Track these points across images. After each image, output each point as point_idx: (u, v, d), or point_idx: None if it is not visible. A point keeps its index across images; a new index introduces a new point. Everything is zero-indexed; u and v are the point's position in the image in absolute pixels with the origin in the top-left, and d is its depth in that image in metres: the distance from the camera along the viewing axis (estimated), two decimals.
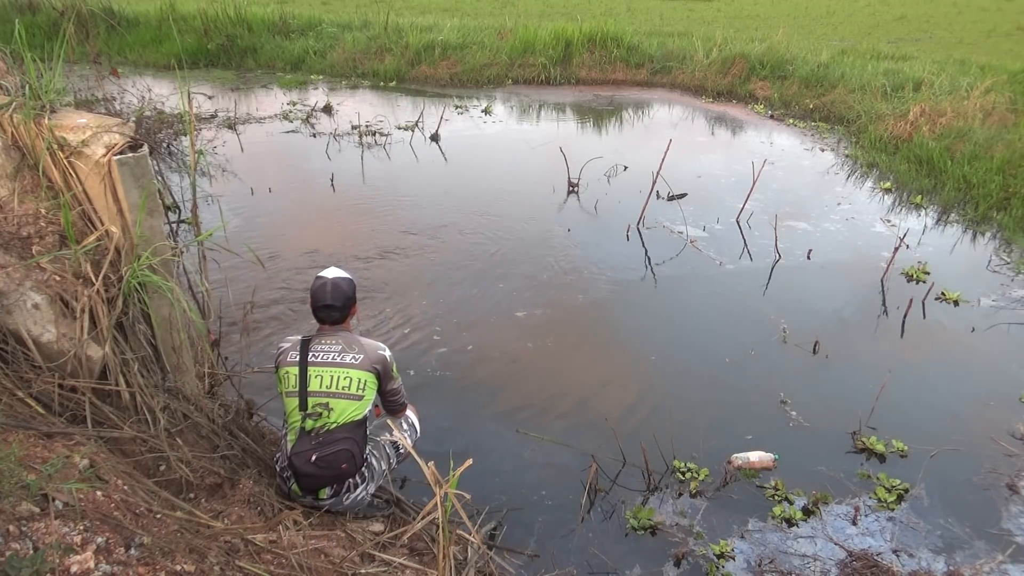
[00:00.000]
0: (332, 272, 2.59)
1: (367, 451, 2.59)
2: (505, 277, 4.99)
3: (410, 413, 2.90)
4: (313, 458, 2.40)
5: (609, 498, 3.12)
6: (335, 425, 2.44)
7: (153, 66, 11.35)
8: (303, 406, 2.43)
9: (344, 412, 2.44)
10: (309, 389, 2.44)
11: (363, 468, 2.55)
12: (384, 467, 2.69)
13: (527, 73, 10.87)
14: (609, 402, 3.74)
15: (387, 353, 2.58)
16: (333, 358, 2.47)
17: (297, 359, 2.47)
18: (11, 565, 1.40)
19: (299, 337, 2.55)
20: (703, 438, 3.44)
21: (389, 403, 2.71)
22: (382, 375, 2.56)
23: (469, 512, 2.55)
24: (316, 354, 2.48)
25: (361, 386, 2.48)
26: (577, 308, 4.67)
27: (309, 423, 2.43)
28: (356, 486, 2.53)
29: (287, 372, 2.49)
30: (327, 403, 2.43)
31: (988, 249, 5.64)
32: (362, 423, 2.51)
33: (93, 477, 1.92)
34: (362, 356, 2.50)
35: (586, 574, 2.74)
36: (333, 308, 2.52)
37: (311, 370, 2.45)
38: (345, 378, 2.45)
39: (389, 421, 2.79)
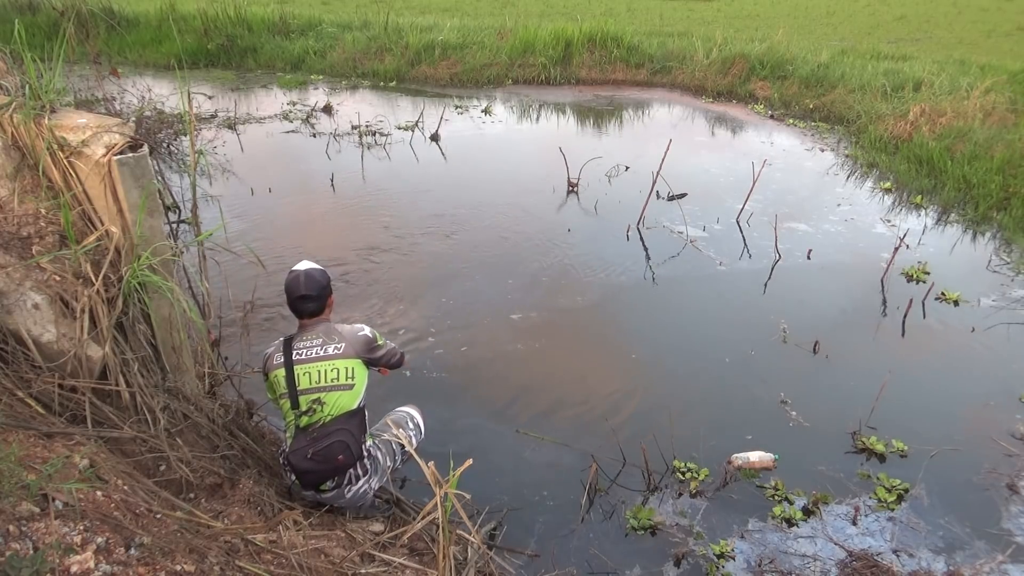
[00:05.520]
0: (304, 264, 2.59)
1: (369, 443, 2.60)
2: (504, 277, 4.99)
3: (416, 414, 2.90)
4: (309, 454, 2.41)
5: (609, 498, 3.12)
6: (330, 418, 2.45)
7: (153, 66, 11.35)
8: (295, 405, 2.44)
9: (336, 403, 2.45)
10: (299, 388, 2.44)
11: (364, 459, 2.55)
12: (389, 463, 2.69)
13: (527, 73, 10.87)
14: (609, 402, 3.74)
15: (366, 331, 2.58)
16: (316, 353, 2.48)
17: (282, 361, 2.47)
18: (11, 565, 1.40)
19: (281, 339, 2.55)
20: (703, 438, 3.44)
21: (390, 366, 2.74)
22: (368, 357, 2.56)
23: (469, 512, 2.55)
24: (299, 352, 2.48)
25: (349, 374, 2.48)
26: (576, 308, 4.67)
27: (304, 420, 2.44)
28: (358, 478, 2.53)
29: (276, 376, 2.49)
30: (319, 398, 2.44)
31: (988, 249, 5.64)
32: (357, 412, 2.52)
33: (93, 477, 1.92)
34: (344, 344, 2.50)
35: (586, 574, 2.74)
36: (309, 298, 2.51)
37: (297, 369, 2.45)
38: (332, 370, 2.46)
39: (391, 422, 2.80)
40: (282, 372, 2.46)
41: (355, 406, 2.50)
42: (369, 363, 2.59)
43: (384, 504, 2.86)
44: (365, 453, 2.55)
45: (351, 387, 2.48)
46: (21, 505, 1.62)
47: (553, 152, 6.88)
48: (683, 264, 5.29)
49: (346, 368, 2.48)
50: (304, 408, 2.43)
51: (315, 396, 2.44)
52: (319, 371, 2.45)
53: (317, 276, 2.54)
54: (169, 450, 2.33)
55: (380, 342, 2.62)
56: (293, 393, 2.44)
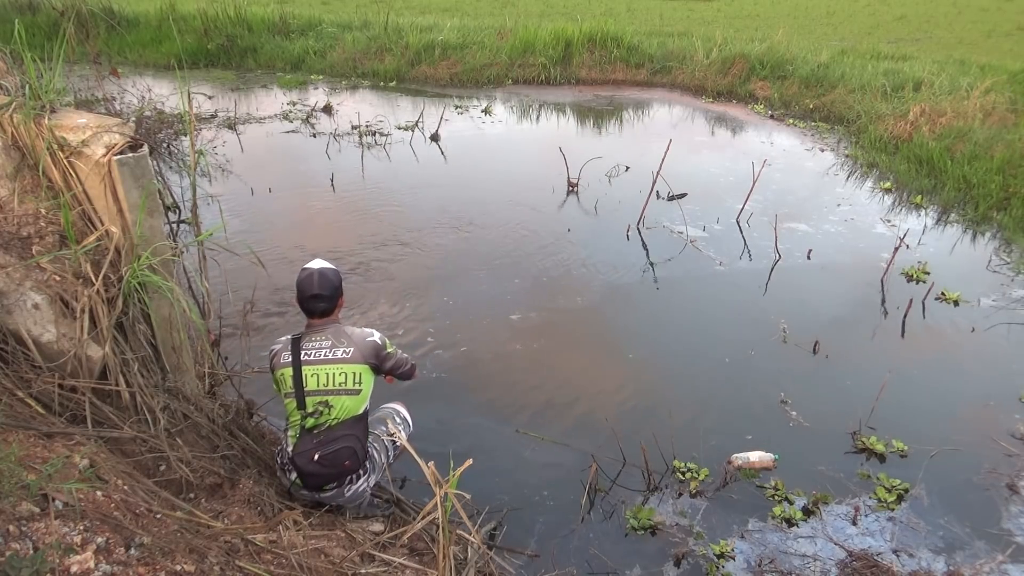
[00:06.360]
0: (318, 263, 2.58)
1: (368, 444, 2.60)
2: (503, 278, 4.99)
3: (401, 408, 2.90)
4: (316, 457, 2.40)
5: (609, 498, 3.12)
6: (336, 422, 2.44)
7: (153, 66, 11.35)
8: (302, 405, 2.43)
9: (344, 407, 2.45)
10: (306, 388, 2.43)
11: (366, 461, 2.55)
12: (384, 460, 2.70)
13: (527, 73, 10.87)
14: (609, 402, 3.74)
15: (376, 337, 2.57)
16: (324, 355, 2.47)
17: (290, 360, 2.46)
18: (11, 565, 1.40)
19: (289, 337, 2.54)
20: (703, 438, 3.44)
21: (399, 375, 2.72)
22: (376, 363, 2.55)
23: (469, 512, 2.55)
24: (308, 352, 2.47)
25: (357, 379, 2.47)
26: (576, 309, 4.67)
27: (310, 421, 2.43)
28: (358, 478, 2.55)
29: (283, 374, 2.48)
30: (326, 400, 2.43)
31: (988, 249, 5.64)
32: (362, 417, 2.52)
33: (93, 477, 1.92)
34: (352, 349, 2.49)
35: (586, 574, 2.74)
36: (320, 298, 2.49)
37: (305, 369, 2.44)
38: (340, 374, 2.45)
39: (378, 419, 2.80)
40: (289, 371, 2.45)
41: (361, 411, 2.50)
42: (376, 370, 2.59)
43: (384, 504, 2.86)
44: (367, 455, 2.56)
45: (358, 392, 2.48)
46: (21, 505, 1.62)
47: (553, 152, 6.88)
48: (683, 264, 5.29)
49: (354, 373, 2.47)
50: (310, 409, 2.42)
51: (322, 398, 2.43)
52: (327, 374, 2.44)
53: (330, 276, 2.53)
54: (169, 450, 2.33)
55: (390, 350, 2.60)
56: (300, 394, 2.43)
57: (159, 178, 5.25)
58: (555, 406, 3.71)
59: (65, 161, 2.38)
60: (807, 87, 9.83)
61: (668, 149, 5.99)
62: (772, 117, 9.40)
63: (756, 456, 3.27)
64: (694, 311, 4.74)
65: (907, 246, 5.41)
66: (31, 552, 1.50)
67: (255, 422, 3.10)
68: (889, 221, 6.12)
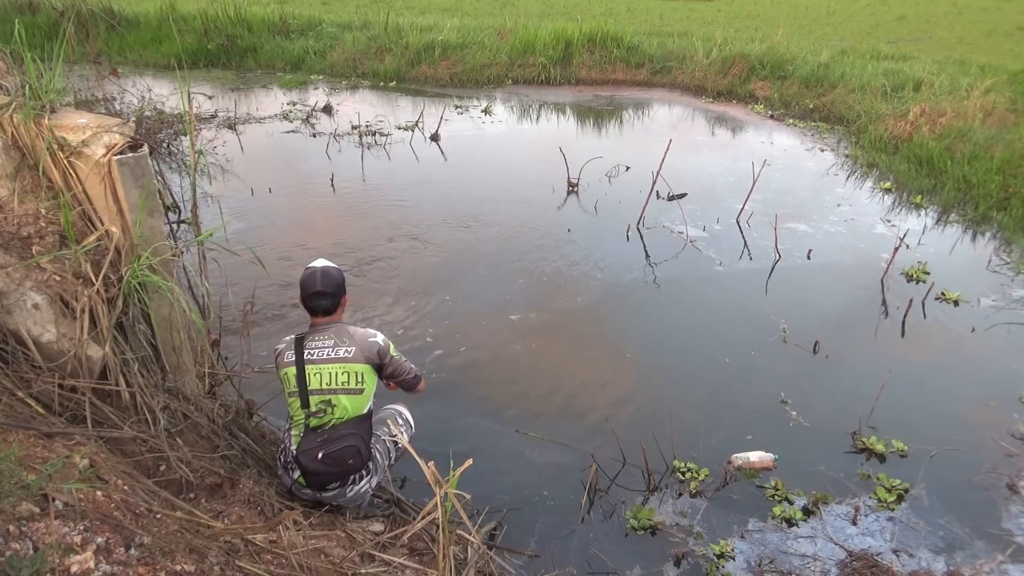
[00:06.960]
0: (321, 262, 2.59)
1: (371, 444, 2.60)
2: (503, 278, 4.99)
3: (404, 409, 2.90)
4: (320, 455, 2.41)
5: (609, 498, 3.12)
6: (340, 421, 2.45)
7: (153, 66, 11.35)
8: (305, 404, 2.44)
9: (347, 407, 2.45)
10: (310, 388, 2.44)
11: (369, 462, 2.55)
12: (385, 461, 2.70)
13: (527, 73, 10.87)
14: (609, 402, 3.74)
15: (379, 339, 2.57)
16: (328, 354, 2.47)
17: (293, 359, 2.47)
18: (11, 565, 1.40)
19: (293, 336, 2.55)
20: (703, 438, 3.44)
21: (399, 382, 2.71)
22: (378, 364, 2.55)
23: (469, 512, 2.55)
24: (311, 352, 2.48)
25: (359, 379, 2.48)
26: (576, 309, 4.67)
27: (314, 421, 2.43)
28: (361, 478, 2.55)
29: (286, 373, 2.49)
30: (329, 400, 2.44)
31: (988, 249, 5.64)
32: (366, 417, 2.52)
33: (93, 477, 1.92)
34: (354, 348, 2.49)
35: (586, 574, 2.74)
36: (324, 295, 2.50)
37: (309, 368, 2.45)
38: (343, 373, 2.46)
39: (381, 420, 2.80)
40: (292, 371, 2.46)
41: (365, 411, 2.50)
42: (378, 370, 2.58)
43: (384, 504, 2.86)
44: (370, 456, 2.56)
45: (361, 391, 2.48)
46: (21, 505, 1.62)
47: (553, 152, 6.88)
48: (683, 264, 5.29)
49: (357, 372, 2.47)
50: (314, 409, 2.43)
51: (325, 398, 2.44)
52: (330, 373, 2.45)
53: (333, 274, 2.54)
54: (169, 450, 2.33)
55: (393, 354, 2.60)
56: (304, 393, 2.44)
57: (159, 178, 5.24)
58: (555, 406, 3.71)
59: (65, 161, 2.38)
60: (807, 87, 9.83)
61: (668, 149, 5.99)
62: (772, 117, 9.40)
63: (756, 456, 3.27)
64: (694, 311, 4.73)
65: (907, 246, 5.41)
66: (31, 552, 1.49)
67: (255, 422, 3.10)
68: (889, 221, 6.12)
